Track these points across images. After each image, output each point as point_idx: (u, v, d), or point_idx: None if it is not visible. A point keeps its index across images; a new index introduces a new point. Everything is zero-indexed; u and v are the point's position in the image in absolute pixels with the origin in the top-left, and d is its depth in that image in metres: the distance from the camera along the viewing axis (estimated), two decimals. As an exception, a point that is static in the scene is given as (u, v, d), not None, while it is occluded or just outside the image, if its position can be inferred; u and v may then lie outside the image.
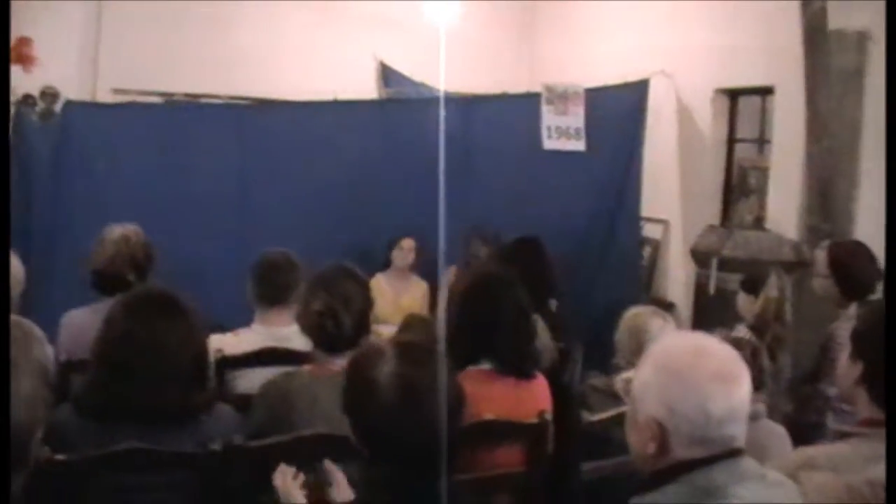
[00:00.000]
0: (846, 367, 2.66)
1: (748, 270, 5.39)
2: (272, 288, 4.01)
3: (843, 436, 2.70)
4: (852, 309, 4.53)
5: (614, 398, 3.77)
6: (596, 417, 3.48)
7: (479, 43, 9.16)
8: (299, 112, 6.89)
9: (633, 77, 7.46)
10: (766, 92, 7.25)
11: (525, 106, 7.20)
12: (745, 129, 7.72)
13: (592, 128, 7.19)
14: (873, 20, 6.06)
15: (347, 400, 2.35)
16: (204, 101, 8.12)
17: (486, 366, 3.45)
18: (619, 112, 7.48)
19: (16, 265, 3.94)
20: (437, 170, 3.86)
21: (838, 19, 6.11)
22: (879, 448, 2.52)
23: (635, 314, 4.10)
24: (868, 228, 5.97)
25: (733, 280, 6.08)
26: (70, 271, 4.60)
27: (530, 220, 6.28)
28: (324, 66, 8.60)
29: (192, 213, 6.08)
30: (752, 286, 5.09)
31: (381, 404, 2.21)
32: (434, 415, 2.18)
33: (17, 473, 2.86)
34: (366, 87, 8.61)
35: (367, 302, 3.49)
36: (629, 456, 3.21)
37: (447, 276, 6.17)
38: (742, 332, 4.63)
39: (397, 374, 2.22)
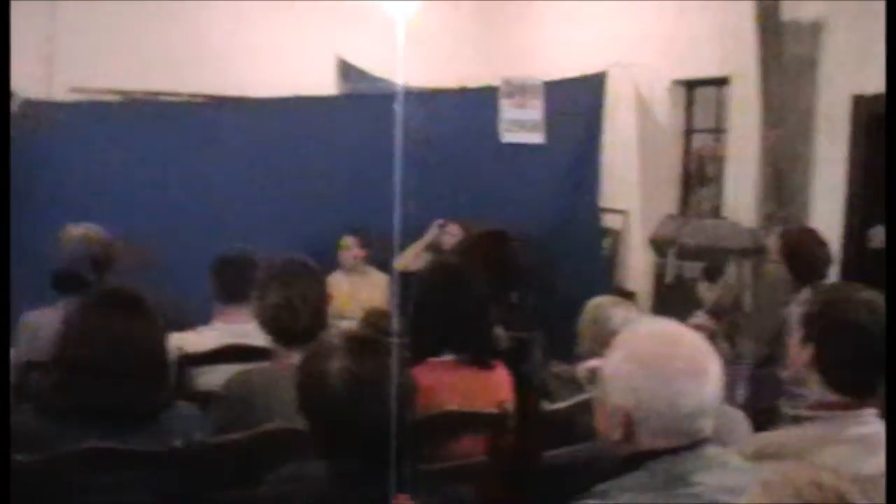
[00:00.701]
0: (797, 350, 2.70)
1: (707, 258, 5.45)
2: (230, 285, 4.01)
3: (796, 420, 2.74)
4: (804, 293, 4.58)
5: (576, 386, 3.79)
6: (556, 406, 3.50)
7: (439, 38, 9.16)
8: (259, 109, 6.89)
9: (590, 69, 7.51)
10: (722, 82, 7.33)
11: (483, 100, 7.23)
12: (702, 119, 7.80)
13: (551, 120, 7.23)
14: (826, 10, 6.14)
15: (300, 397, 2.36)
16: (163, 98, 8.07)
17: (447, 357, 3.48)
18: (577, 104, 7.53)
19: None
20: (395, 164, 3.87)
21: (792, 9, 6.19)
22: (829, 431, 2.56)
23: (598, 304, 4.12)
24: (823, 214, 6.06)
25: (692, 268, 6.15)
26: (29, 272, 4.58)
27: (491, 214, 6.31)
28: (283, 62, 8.57)
29: (151, 210, 6.05)
30: (712, 274, 5.14)
31: (332, 400, 2.23)
32: (386, 408, 2.20)
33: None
34: (325, 84, 8.61)
35: (323, 295, 3.49)
36: (591, 443, 3.26)
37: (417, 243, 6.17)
38: (701, 318, 4.68)
39: (347, 370, 2.23)
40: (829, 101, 6.21)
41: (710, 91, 7.67)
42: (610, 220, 8.10)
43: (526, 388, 3.85)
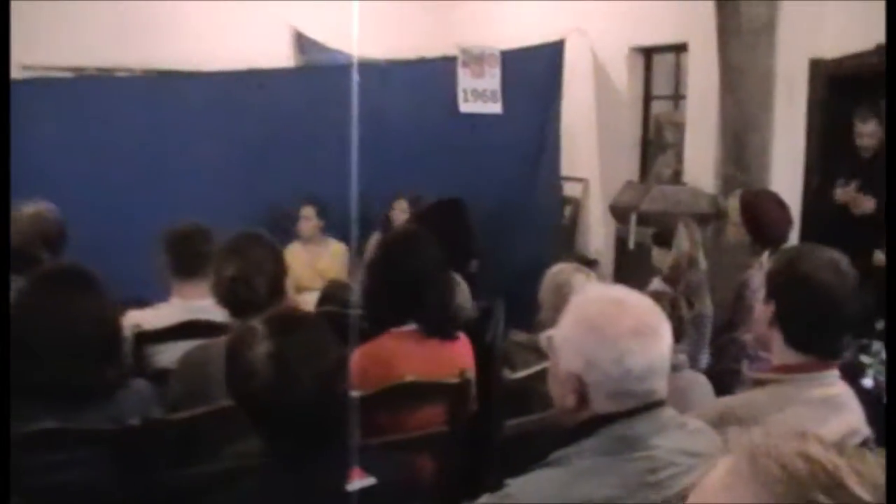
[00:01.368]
0: (761, 309, 2.70)
1: (664, 225, 5.46)
2: (186, 260, 3.94)
3: (759, 383, 2.75)
4: (765, 256, 4.61)
5: (538, 354, 3.78)
6: (517, 375, 3.49)
7: (394, 8, 9.10)
8: (213, 82, 6.81)
9: (548, 37, 7.48)
10: (679, 49, 7.33)
11: (441, 69, 7.20)
12: (661, 86, 7.80)
13: (509, 89, 7.21)
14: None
15: (228, 383, 2.33)
16: (116, 74, 7.98)
17: (409, 327, 3.46)
18: (535, 73, 7.51)
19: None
20: (351, 135, 3.84)
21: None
22: (792, 393, 2.56)
23: (558, 271, 4.11)
24: (783, 177, 6.08)
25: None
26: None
27: (450, 184, 6.28)
28: (239, 35, 8.51)
29: (106, 187, 5.99)
30: (663, 240, 5.14)
31: (258, 385, 2.19)
32: (315, 384, 2.18)
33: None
34: (281, 56, 8.54)
35: (280, 267, 3.45)
36: (551, 412, 3.25)
37: (371, 242, 6.16)
38: (657, 284, 4.68)
39: (270, 353, 2.19)
40: (787, 66, 6.23)
41: (668, 57, 7.68)
42: (570, 189, 8.11)
43: (487, 357, 3.84)
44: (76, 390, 2.77)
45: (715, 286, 5.00)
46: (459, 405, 3.31)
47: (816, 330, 2.60)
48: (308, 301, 5.06)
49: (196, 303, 3.88)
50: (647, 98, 7.83)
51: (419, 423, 3.29)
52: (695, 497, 1.25)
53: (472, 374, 3.42)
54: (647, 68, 7.81)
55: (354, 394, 2.60)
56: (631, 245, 6.96)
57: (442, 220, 4.83)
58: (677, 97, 7.59)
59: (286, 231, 6.15)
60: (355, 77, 4.54)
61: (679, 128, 7.38)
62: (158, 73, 7.94)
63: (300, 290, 6.00)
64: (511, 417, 3.34)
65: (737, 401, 2.77)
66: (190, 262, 3.94)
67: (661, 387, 2.05)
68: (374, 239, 6.07)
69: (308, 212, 6.59)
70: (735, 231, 4.77)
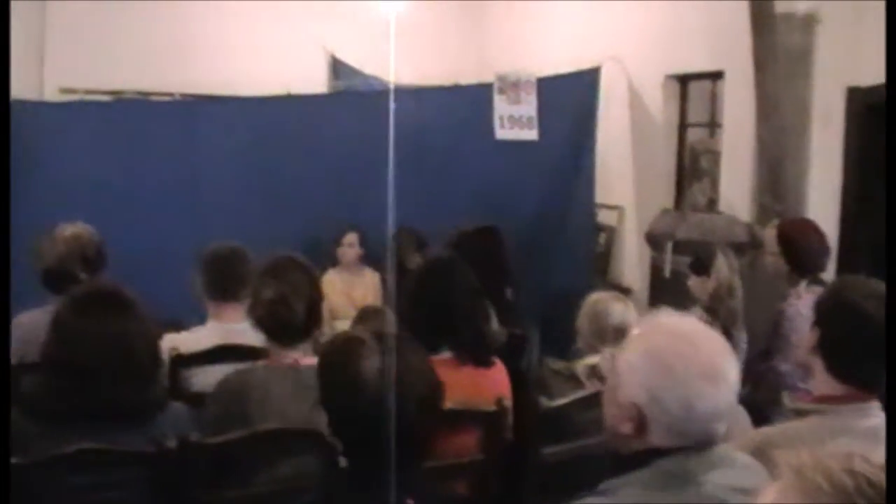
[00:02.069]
0: (806, 337, 2.68)
1: (700, 253, 5.42)
2: (224, 283, 3.96)
3: (799, 413, 2.72)
4: (802, 286, 4.57)
5: (575, 383, 3.77)
6: (554, 402, 3.47)
7: (430, 34, 9.14)
8: (250, 106, 6.85)
9: (583, 63, 7.48)
10: (715, 76, 7.30)
11: (477, 96, 7.21)
12: (696, 114, 7.76)
13: (545, 116, 7.20)
14: (820, 2, 6.12)
15: (327, 393, 2.29)
16: (154, 98, 8.04)
17: (445, 354, 3.45)
18: (571, 100, 7.51)
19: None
20: (388, 161, 3.85)
21: (785, 2, 6.17)
22: (837, 424, 2.54)
23: (596, 300, 4.09)
24: (819, 207, 6.03)
25: (688, 263, 6.11)
26: (21, 273, 4.54)
27: (485, 210, 6.28)
28: (274, 59, 8.56)
29: (144, 209, 6.03)
30: (701, 267, 5.11)
31: (364, 399, 2.16)
32: (416, 406, 2.15)
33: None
34: (317, 80, 8.58)
35: (318, 293, 3.44)
36: (589, 440, 3.23)
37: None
38: (697, 314, 4.65)
39: (381, 369, 2.16)
40: (824, 94, 6.18)
41: (703, 85, 7.64)
42: (604, 216, 8.08)
43: (523, 384, 3.83)
44: (115, 412, 2.78)
45: (750, 315, 4.97)
46: (496, 433, 3.30)
47: (859, 360, 2.58)
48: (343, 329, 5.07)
49: (232, 326, 3.89)
50: (683, 126, 7.79)
51: (455, 451, 3.27)
52: None
53: (508, 401, 3.41)
54: (683, 96, 7.78)
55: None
56: (667, 273, 6.91)
57: (477, 248, 4.83)
58: (713, 125, 7.55)
59: (320, 258, 6.15)
60: (392, 103, 4.55)
61: (715, 156, 7.34)
62: (195, 97, 8.01)
63: (335, 317, 6.01)
64: (547, 445, 3.32)
65: (777, 431, 2.74)
66: (227, 284, 3.95)
67: (721, 428, 2.02)
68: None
69: (351, 238, 6.59)
70: (772, 260, 4.73)
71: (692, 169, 7.65)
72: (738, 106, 6.71)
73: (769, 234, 4.81)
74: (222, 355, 3.71)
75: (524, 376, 4.10)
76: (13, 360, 3.70)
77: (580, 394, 3.52)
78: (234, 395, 3.17)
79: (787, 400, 3.54)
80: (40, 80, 8.10)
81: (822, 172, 6.19)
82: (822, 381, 2.64)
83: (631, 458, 2.03)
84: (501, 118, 7.06)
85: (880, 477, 1.12)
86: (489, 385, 3.48)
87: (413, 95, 7.16)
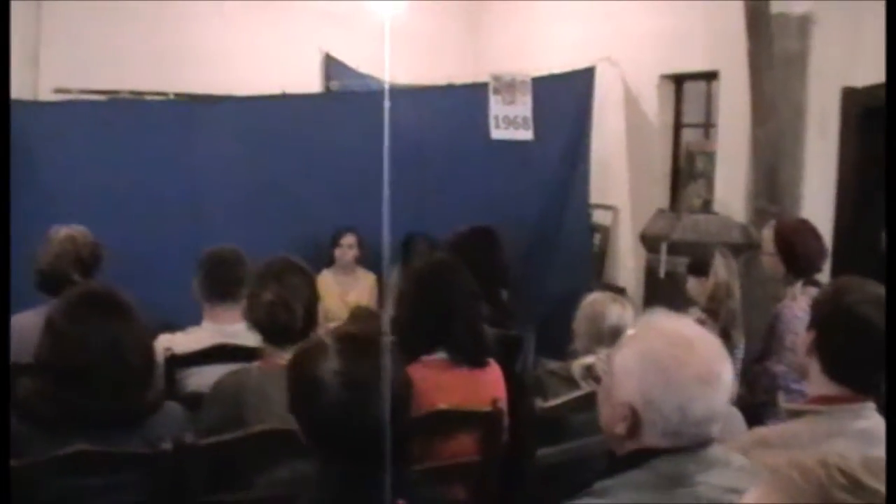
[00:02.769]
0: (802, 338, 2.68)
1: (697, 254, 5.42)
2: (221, 284, 3.96)
3: (794, 414, 2.72)
4: (798, 287, 4.57)
5: (571, 383, 3.77)
6: (550, 403, 3.47)
7: (425, 34, 9.13)
8: (246, 107, 6.83)
9: (578, 64, 7.48)
10: (710, 77, 7.31)
11: (472, 96, 7.20)
12: (691, 114, 7.77)
13: (540, 116, 7.20)
14: (815, 3, 6.13)
15: (292, 399, 2.27)
16: (148, 98, 8.03)
17: (440, 355, 3.45)
18: (566, 100, 7.51)
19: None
20: (383, 162, 3.83)
21: (781, 3, 6.17)
22: (832, 425, 2.54)
23: (593, 301, 4.09)
24: (814, 209, 6.04)
25: (683, 264, 6.11)
26: (16, 274, 4.53)
27: (479, 211, 6.28)
28: (271, 60, 8.54)
29: (139, 210, 6.01)
30: (699, 269, 5.11)
31: (326, 402, 2.13)
32: (382, 408, 2.13)
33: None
34: (313, 81, 8.58)
35: (315, 295, 3.45)
36: (584, 441, 3.23)
37: (392, 274, 6.17)
38: (696, 315, 4.64)
39: (341, 371, 2.14)
40: (819, 95, 6.20)
41: (699, 86, 7.65)
42: (599, 217, 8.08)
43: (519, 385, 3.83)
44: (109, 414, 2.77)
45: (746, 316, 4.97)
46: (491, 434, 3.30)
47: (855, 361, 2.58)
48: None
49: (228, 327, 3.89)
50: (678, 126, 7.80)
51: (451, 452, 3.28)
52: None
53: (503, 402, 3.41)
54: (678, 96, 7.78)
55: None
56: (661, 274, 6.92)
57: (473, 249, 4.83)
58: (708, 125, 7.56)
59: (315, 258, 6.13)
60: (386, 103, 4.54)
61: (710, 156, 7.35)
62: (190, 97, 7.99)
63: (329, 319, 5.99)
64: (543, 446, 3.33)
65: (772, 432, 2.74)
66: (223, 285, 3.96)
67: (716, 429, 2.02)
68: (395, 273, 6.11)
69: (350, 240, 6.58)
70: (769, 261, 4.73)
71: (687, 170, 7.66)
72: (734, 107, 6.72)
73: (765, 235, 4.80)
74: (217, 356, 3.71)
75: (520, 377, 4.10)
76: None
77: (575, 394, 3.52)
78: (229, 396, 3.17)
79: (782, 401, 3.55)
80: (34, 80, 8.07)
81: (818, 173, 6.20)
82: (817, 383, 2.64)
83: (625, 459, 2.04)
84: (496, 118, 7.06)
85: (853, 467, 1.14)
86: (484, 386, 3.47)
87: (408, 95, 7.16)
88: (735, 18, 6.31)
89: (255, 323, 3.35)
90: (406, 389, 2.29)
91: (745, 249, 6.05)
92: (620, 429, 2.02)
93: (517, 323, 4.96)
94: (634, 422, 2.00)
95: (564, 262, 7.38)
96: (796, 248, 4.61)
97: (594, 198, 7.78)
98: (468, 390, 3.41)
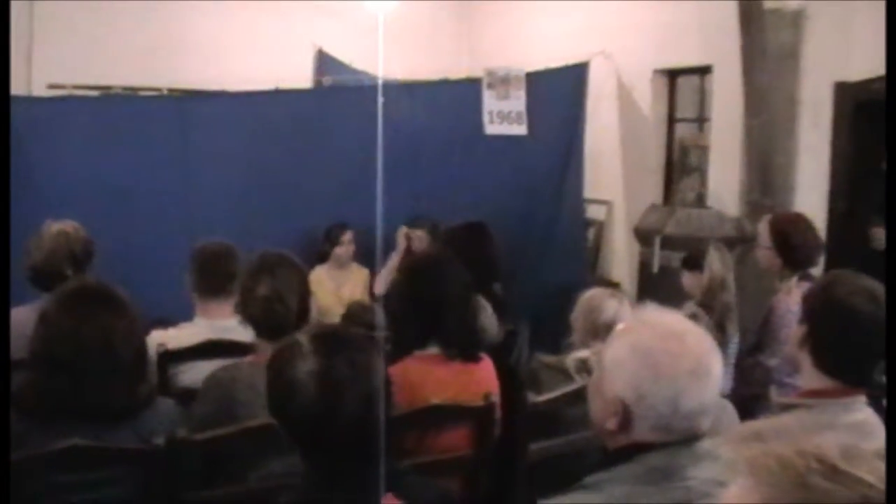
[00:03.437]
0: (794, 331, 2.69)
1: (691, 248, 5.42)
2: (213, 279, 3.95)
3: (786, 408, 2.73)
4: (793, 280, 4.57)
5: (564, 377, 3.77)
6: (543, 397, 3.47)
7: (419, 29, 9.13)
8: (240, 102, 6.82)
9: (572, 59, 7.48)
10: (704, 71, 7.32)
11: (466, 91, 7.20)
12: (685, 109, 7.78)
13: (534, 111, 7.20)
14: (808, -2, 6.14)
15: (270, 400, 2.28)
16: (142, 93, 8.01)
17: (433, 349, 3.45)
18: (560, 95, 7.50)
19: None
20: (377, 157, 3.84)
21: (773, -2, 6.18)
22: (823, 419, 2.55)
23: (591, 295, 4.08)
24: (808, 202, 6.05)
25: (676, 258, 6.12)
26: (12, 270, 4.53)
27: (474, 205, 6.28)
28: (264, 55, 8.52)
29: (132, 206, 6.00)
30: (694, 263, 5.11)
31: (302, 403, 2.14)
32: (359, 405, 2.14)
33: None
34: (306, 77, 8.57)
35: (307, 289, 3.45)
36: (578, 435, 3.23)
37: (390, 261, 6.17)
38: (691, 309, 4.64)
39: (315, 371, 2.15)
40: (812, 89, 6.21)
41: (692, 80, 7.66)
42: (593, 211, 8.09)
43: (512, 379, 3.83)
44: (102, 409, 2.77)
45: (740, 310, 4.97)
46: (484, 428, 3.31)
47: (846, 355, 2.59)
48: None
49: (220, 322, 3.88)
50: (672, 120, 7.81)
51: (444, 447, 3.28)
52: None
53: (496, 396, 3.41)
54: (672, 91, 7.79)
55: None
56: (655, 268, 6.92)
57: (466, 243, 4.83)
58: (702, 120, 7.57)
59: (310, 254, 6.12)
60: (380, 98, 4.53)
61: (703, 151, 7.36)
62: (183, 93, 7.98)
63: (322, 314, 5.99)
64: (536, 440, 3.32)
65: (765, 425, 2.73)
66: (216, 280, 3.94)
67: (706, 423, 2.02)
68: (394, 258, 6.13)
69: (348, 237, 6.57)
70: (764, 254, 4.72)
71: (681, 164, 7.67)
72: (727, 101, 6.73)
73: (761, 228, 4.80)
74: (210, 351, 3.70)
75: (513, 372, 4.10)
76: (0, 356, 3.69)
77: (568, 388, 3.52)
78: (221, 391, 3.17)
79: (775, 395, 3.55)
80: (28, 76, 8.06)
81: (811, 167, 6.21)
82: (809, 376, 2.65)
83: (616, 453, 2.04)
84: (490, 113, 7.06)
85: (830, 455, 1.15)
86: (477, 380, 3.48)
87: (402, 90, 7.16)
88: (728, 13, 6.32)
89: (250, 318, 3.34)
90: (384, 383, 2.28)
91: (738, 243, 6.06)
92: (611, 423, 2.03)
93: (511, 317, 4.96)
94: (625, 416, 2.00)
95: (558, 256, 7.38)
96: (792, 242, 4.61)
97: (588, 192, 7.78)
98: (461, 384, 3.41)
